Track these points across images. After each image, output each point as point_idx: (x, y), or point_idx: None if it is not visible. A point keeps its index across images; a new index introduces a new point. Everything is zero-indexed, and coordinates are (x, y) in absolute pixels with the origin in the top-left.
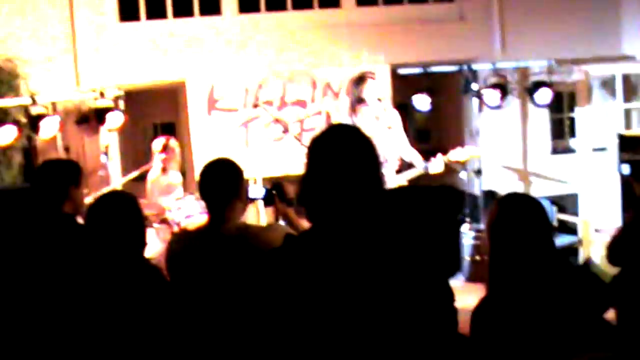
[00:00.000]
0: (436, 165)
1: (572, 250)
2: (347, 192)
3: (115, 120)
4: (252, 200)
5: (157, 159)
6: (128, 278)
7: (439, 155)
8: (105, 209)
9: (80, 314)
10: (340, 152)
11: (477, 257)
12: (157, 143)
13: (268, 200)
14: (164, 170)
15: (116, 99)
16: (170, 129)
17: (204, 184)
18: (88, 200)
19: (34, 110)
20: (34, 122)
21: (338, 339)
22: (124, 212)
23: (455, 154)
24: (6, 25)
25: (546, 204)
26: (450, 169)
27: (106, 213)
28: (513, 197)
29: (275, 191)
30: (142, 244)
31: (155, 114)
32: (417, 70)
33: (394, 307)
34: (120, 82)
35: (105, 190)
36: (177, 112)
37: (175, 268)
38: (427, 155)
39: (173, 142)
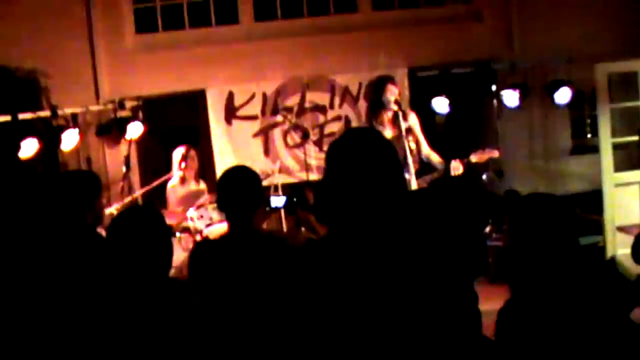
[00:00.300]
0: (456, 167)
1: (597, 249)
2: (368, 195)
3: (135, 130)
4: (275, 209)
5: (177, 167)
6: (153, 298)
7: (458, 159)
8: (130, 225)
9: (102, 327)
10: (360, 156)
11: (500, 259)
12: (177, 152)
13: (290, 208)
14: (184, 179)
15: (135, 110)
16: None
17: (223, 193)
18: (108, 211)
19: (55, 123)
20: (55, 134)
21: (361, 342)
22: (151, 229)
23: (476, 156)
24: (27, 40)
25: (568, 203)
26: (472, 170)
27: (132, 230)
28: (535, 197)
29: (296, 199)
30: (168, 263)
31: (175, 119)
32: (435, 72)
33: (415, 310)
34: (140, 93)
35: (126, 200)
36: (197, 122)
37: (198, 277)
38: (447, 157)
39: (192, 151)
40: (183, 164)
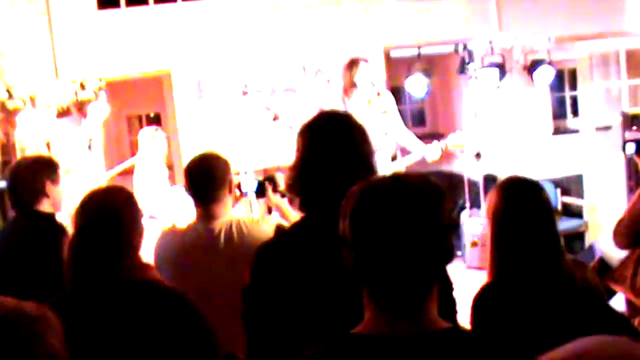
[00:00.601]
0: (434, 150)
1: (578, 234)
2: (338, 179)
3: (98, 112)
4: (244, 193)
5: (144, 151)
6: (119, 285)
7: (436, 141)
8: (101, 206)
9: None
10: (331, 138)
11: (478, 244)
12: (145, 134)
13: (260, 192)
14: (151, 163)
15: (98, 91)
16: (155, 120)
17: (191, 179)
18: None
19: (11, 105)
20: (11, 117)
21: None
22: (123, 209)
23: (454, 139)
24: None
25: (549, 187)
26: (449, 153)
27: (102, 210)
28: (514, 180)
29: (268, 182)
30: (138, 246)
31: (139, 105)
32: (411, 52)
33: None
34: (101, 73)
35: (89, 186)
36: (163, 104)
37: (164, 265)
38: (423, 139)
39: (160, 134)
40: (148, 147)
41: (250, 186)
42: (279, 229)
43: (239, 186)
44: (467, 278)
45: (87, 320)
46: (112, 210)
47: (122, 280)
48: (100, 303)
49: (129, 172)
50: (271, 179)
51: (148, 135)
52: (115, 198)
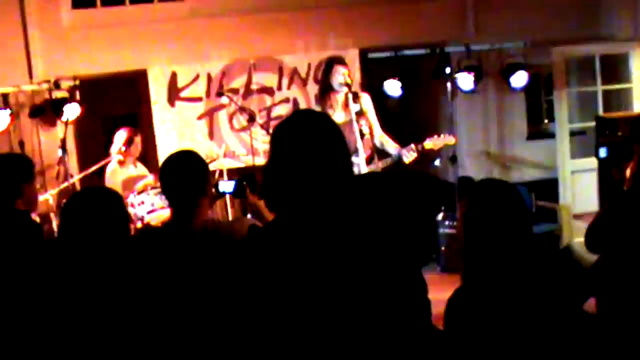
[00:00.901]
0: (410, 153)
1: (552, 237)
2: (312, 180)
3: (72, 112)
4: (222, 194)
5: (118, 151)
6: (105, 284)
7: (413, 145)
8: (89, 205)
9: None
10: (305, 139)
11: (453, 247)
12: (121, 135)
13: (238, 193)
14: (123, 163)
15: (72, 90)
16: (130, 121)
17: (166, 178)
18: (43, 197)
19: None
20: None
21: (305, 331)
22: (110, 210)
23: (431, 142)
24: None
25: (524, 190)
26: (424, 156)
27: (90, 210)
28: (487, 183)
29: (246, 182)
30: (124, 247)
31: (114, 105)
32: (387, 54)
33: (363, 298)
34: (76, 72)
35: (63, 186)
36: (138, 104)
37: (139, 265)
38: (399, 142)
39: (136, 137)
40: (123, 148)
41: (227, 187)
42: (253, 230)
43: (215, 186)
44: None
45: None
46: (101, 213)
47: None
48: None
49: (102, 173)
50: (250, 179)
51: (124, 136)
52: (103, 200)
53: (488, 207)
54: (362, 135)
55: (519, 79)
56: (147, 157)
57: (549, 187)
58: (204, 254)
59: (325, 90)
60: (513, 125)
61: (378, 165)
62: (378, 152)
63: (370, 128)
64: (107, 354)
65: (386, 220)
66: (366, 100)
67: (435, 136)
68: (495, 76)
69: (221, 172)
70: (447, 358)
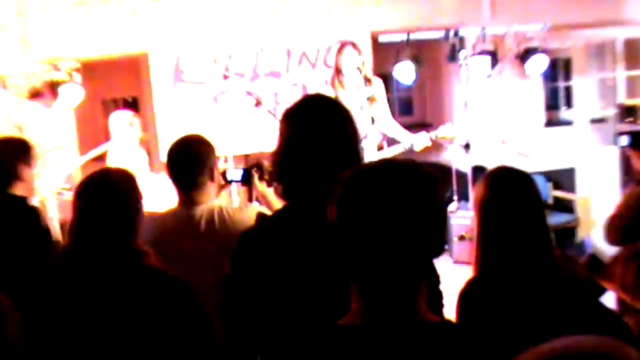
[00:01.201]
0: (422, 140)
1: (569, 229)
2: (322, 166)
3: (72, 94)
4: (230, 182)
5: (119, 135)
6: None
7: (425, 132)
8: (107, 188)
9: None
10: (315, 124)
11: (466, 238)
12: (117, 118)
13: (246, 180)
14: (126, 147)
15: (72, 72)
16: (132, 104)
17: (173, 163)
18: (41, 181)
19: None
20: None
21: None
22: (128, 192)
23: (444, 130)
24: None
25: (541, 180)
26: (437, 144)
27: (109, 193)
28: (501, 171)
29: (255, 169)
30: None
31: (115, 88)
32: (399, 38)
33: None
34: (76, 53)
35: (63, 171)
36: (140, 87)
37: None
38: (410, 129)
39: (136, 118)
40: (126, 131)
41: (235, 175)
42: (261, 217)
43: (223, 174)
44: (453, 272)
45: (89, 304)
46: (119, 193)
47: (127, 266)
48: (105, 287)
49: (102, 158)
50: (258, 167)
51: (122, 120)
52: (120, 180)
53: (501, 196)
54: (372, 121)
55: (537, 63)
56: (149, 141)
57: (566, 177)
58: (209, 241)
59: (335, 73)
60: (530, 111)
61: (388, 152)
62: (387, 140)
63: (380, 115)
64: (122, 336)
65: (398, 210)
66: (377, 85)
67: (449, 123)
68: (511, 61)
69: (226, 158)
70: (460, 350)
